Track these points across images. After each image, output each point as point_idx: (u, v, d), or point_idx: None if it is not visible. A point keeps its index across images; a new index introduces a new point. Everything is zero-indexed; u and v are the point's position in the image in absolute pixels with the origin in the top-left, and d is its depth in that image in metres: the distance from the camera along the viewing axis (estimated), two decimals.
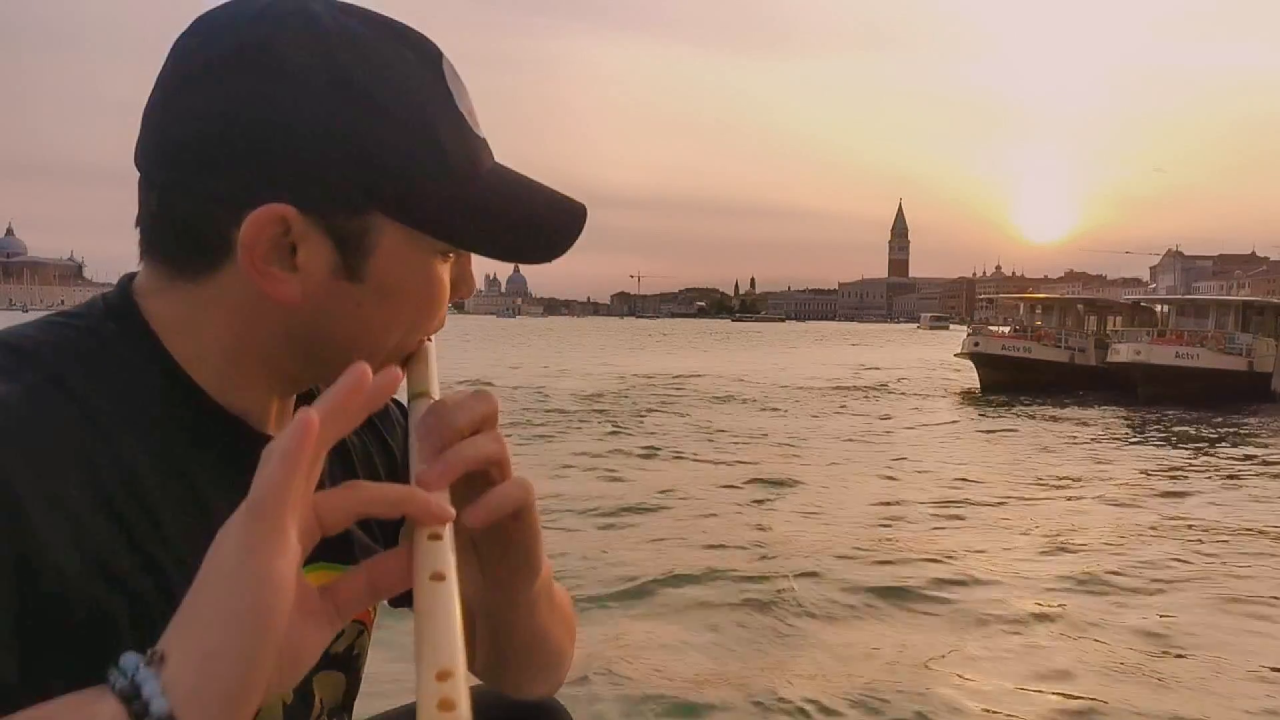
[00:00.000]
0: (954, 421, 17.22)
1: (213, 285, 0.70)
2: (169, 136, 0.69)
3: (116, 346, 0.70)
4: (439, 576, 0.58)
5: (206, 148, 0.67)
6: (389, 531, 0.88)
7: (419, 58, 0.71)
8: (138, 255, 0.74)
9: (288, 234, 0.67)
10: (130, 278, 0.75)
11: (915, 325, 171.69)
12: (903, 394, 22.86)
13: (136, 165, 0.72)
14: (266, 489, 0.53)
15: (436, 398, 0.73)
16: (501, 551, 0.75)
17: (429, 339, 0.77)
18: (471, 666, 0.94)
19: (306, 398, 0.83)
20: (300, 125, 0.66)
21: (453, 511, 0.62)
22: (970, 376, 26.49)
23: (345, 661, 0.87)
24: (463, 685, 0.54)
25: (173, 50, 0.71)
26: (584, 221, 0.75)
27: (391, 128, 0.68)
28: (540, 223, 0.74)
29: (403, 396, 0.76)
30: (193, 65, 0.69)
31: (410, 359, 0.76)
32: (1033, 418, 18.26)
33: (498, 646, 0.86)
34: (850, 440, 13.24)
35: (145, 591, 0.64)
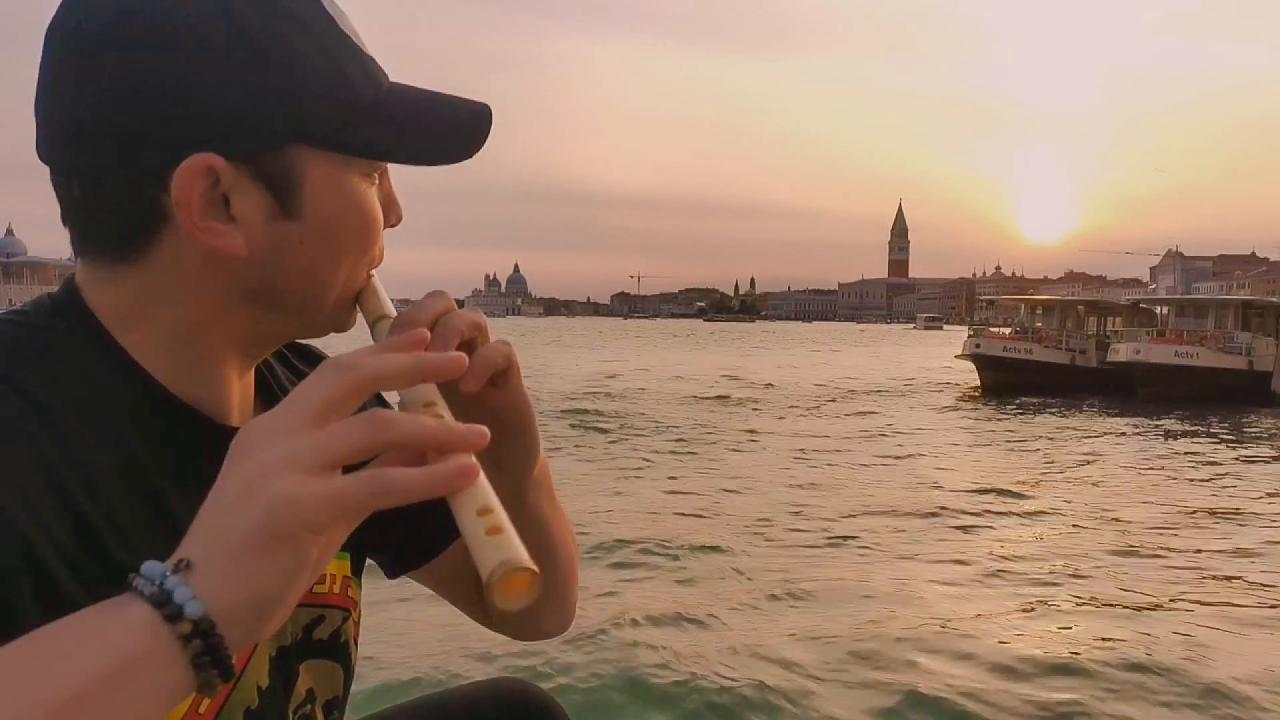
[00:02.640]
0: (953, 428, 17.17)
1: (155, 262, 0.70)
2: (75, 120, 0.68)
3: (67, 344, 0.69)
4: None
5: (117, 121, 0.66)
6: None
7: None
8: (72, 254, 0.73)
9: (217, 186, 0.67)
10: (75, 276, 0.74)
11: (910, 325, 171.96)
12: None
13: (44, 161, 0.71)
14: (321, 395, 0.55)
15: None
16: (499, 429, 0.73)
17: (372, 275, 0.78)
18: (479, 613, 0.98)
19: (264, 388, 0.83)
20: (204, 74, 0.66)
21: (464, 359, 0.63)
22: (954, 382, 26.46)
23: (333, 649, 0.86)
24: (503, 516, 0.57)
25: (51, 35, 0.69)
26: (491, 117, 0.75)
27: (292, 58, 0.68)
28: (450, 123, 0.75)
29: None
30: (80, 43, 0.67)
31: (360, 295, 0.77)
32: (1033, 419, 18.26)
33: None
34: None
35: (108, 591, 0.62)
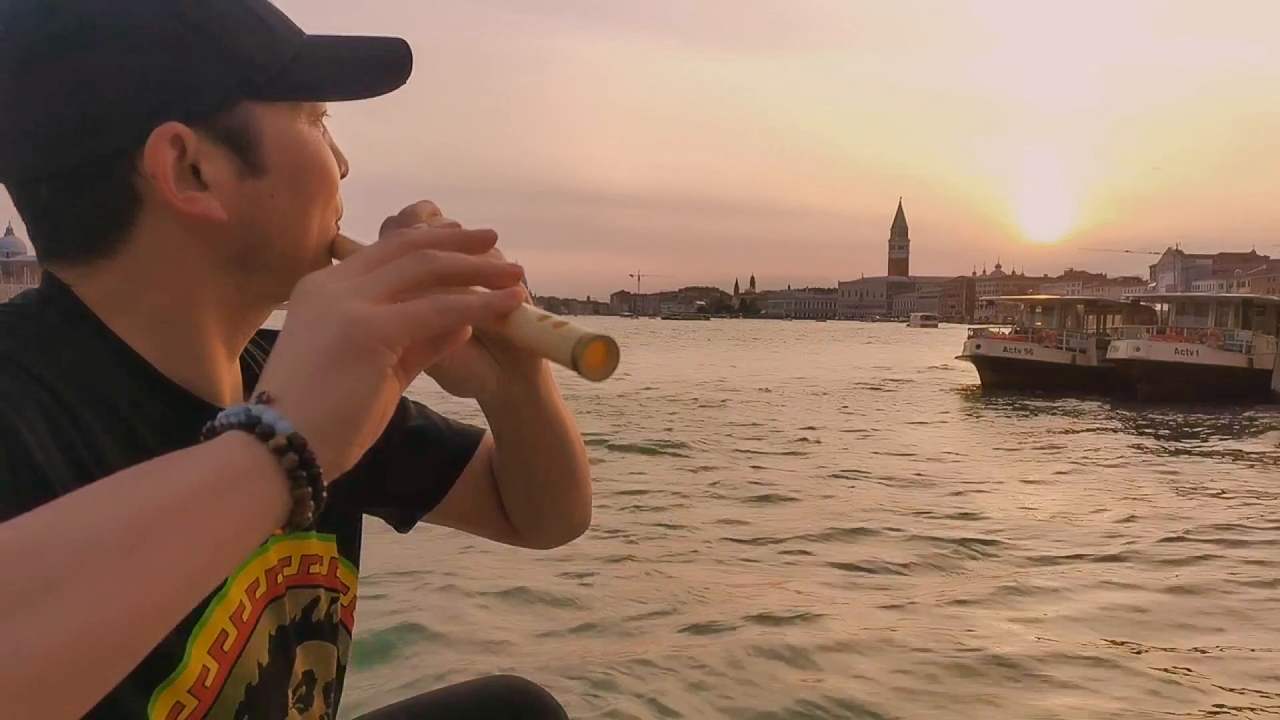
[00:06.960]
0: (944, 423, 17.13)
1: (134, 249, 0.71)
2: (28, 127, 0.69)
3: (62, 331, 0.70)
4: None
5: (72, 114, 0.68)
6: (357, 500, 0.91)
7: None
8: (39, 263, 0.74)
9: (184, 157, 0.69)
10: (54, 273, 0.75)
11: (904, 323, 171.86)
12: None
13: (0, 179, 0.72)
14: (374, 252, 0.61)
15: None
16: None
17: (340, 229, 0.80)
18: (504, 530, 1.00)
19: (250, 376, 0.84)
20: (147, 50, 0.68)
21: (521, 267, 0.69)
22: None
23: (327, 630, 0.88)
24: (560, 317, 0.64)
25: None
26: (410, 48, 0.78)
27: (222, 18, 0.71)
28: (375, 58, 0.78)
29: None
30: (16, 52, 0.69)
31: (334, 245, 0.79)
32: (1033, 419, 18.25)
33: (525, 452, 0.90)
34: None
35: None
